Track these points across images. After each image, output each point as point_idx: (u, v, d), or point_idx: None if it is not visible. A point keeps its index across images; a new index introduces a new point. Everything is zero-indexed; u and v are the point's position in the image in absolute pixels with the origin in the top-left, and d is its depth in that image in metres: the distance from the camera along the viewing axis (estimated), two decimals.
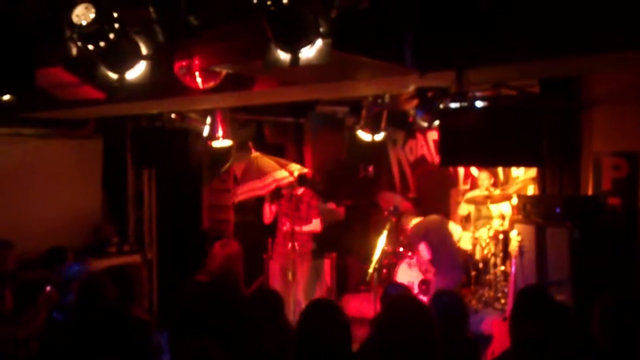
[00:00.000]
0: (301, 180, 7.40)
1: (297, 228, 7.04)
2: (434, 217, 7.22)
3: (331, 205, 8.79)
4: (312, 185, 8.57)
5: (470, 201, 7.92)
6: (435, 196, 9.00)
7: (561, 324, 3.07)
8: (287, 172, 7.27)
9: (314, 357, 2.89)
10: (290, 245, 7.02)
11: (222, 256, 5.22)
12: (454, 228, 7.76)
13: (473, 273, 7.68)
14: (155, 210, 7.96)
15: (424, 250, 6.87)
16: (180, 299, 4.11)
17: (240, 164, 7.89)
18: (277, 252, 7.37)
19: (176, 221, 8.13)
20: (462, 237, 7.87)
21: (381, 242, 6.74)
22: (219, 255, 5.27)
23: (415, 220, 7.15)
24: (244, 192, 7.44)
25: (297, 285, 7.08)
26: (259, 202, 7.68)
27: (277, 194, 7.32)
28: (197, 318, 3.42)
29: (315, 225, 7.22)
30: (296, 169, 7.42)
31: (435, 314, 3.56)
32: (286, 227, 7.19)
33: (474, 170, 8.50)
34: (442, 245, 6.90)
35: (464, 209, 8.30)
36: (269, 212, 7.34)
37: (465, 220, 8.25)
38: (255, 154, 7.59)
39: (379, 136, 7.12)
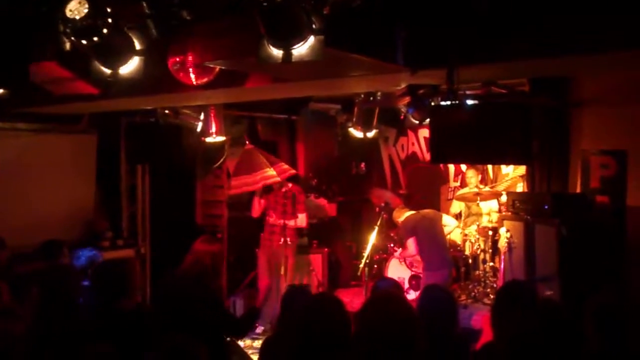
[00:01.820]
0: (290, 177, 7.49)
1: (283, 222, 7.13)
2: (426, 212, 7.26)
3: (322, 202, 8.84)
4: (304, 183, 8.64)
5: (461, 198, 7.99)
6: (426, 193, 9.06)
7: (544, 318, 3.12)
8: (275, 172, 7.32)
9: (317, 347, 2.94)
10: (282, 240, 7.08)
11: (194, 251, 5.23)
12: (449, 220, 7.80)
13: (462, 269, 7.75)
14: (148, 205, 7.98)
15: (411, 245, 6.93)
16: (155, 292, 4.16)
17: (234, 158, 7.92)
18: (263, 246, 7.43)
19: (169, 216, 8.15)
20: (455, 231, 7.93)
21: (372, 238, 6.80)
22: (194, 250, 5.28)
23: (407, 214, 7.18)
24: (237, 186, 7.50)
25: (282, 278, 7.17)
26: (251, 197, 7.73)
27: (266, 188, 7.40)
28: (166, 311, 3.45)
29: (301, 220, 7.28)
30: (285, 169, 7.50)
31: (424, 309, 3.63)
32: (272, 219, 7.26)
33: (464, 167, 8.58)
34: (432, 242, 6.93)
35: (455, 206, 8.37)
36: (258, 205, 7.41)
37: (457, 217, 8.31)
38: (248, 147, 7.64)
39: (371, 133, 7.19)
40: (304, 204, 7.43)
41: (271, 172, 7.35)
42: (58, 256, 5.31)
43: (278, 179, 7.34)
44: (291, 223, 7.19)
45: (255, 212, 7.47)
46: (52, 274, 4.09)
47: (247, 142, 7.76)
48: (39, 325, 3.68)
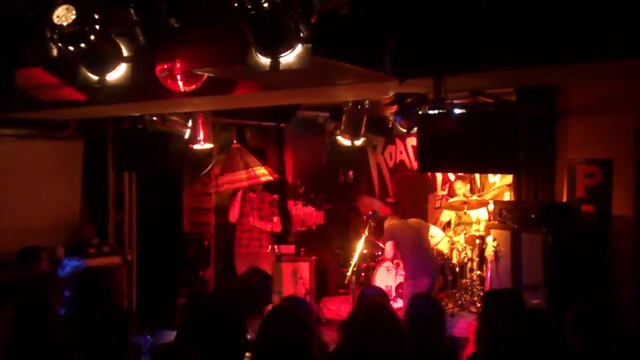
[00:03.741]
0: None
1: (259, 225, 7.17)
2: (412, 221, 7.27)
3: (310, 209, 8.86)
4: (292, 190, 8.65)
5: (449, 207, 8.03)
6: (413, 201, 9.09)
7: (528, 326, 3.13)
8: (266, 171, 7.39)
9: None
10: (270, 247, 7.11)
11: (238, 279, 5.19)
12: (436, 231, 7.83)
13: (450, 277, 7.76)
14: (135, 212, 7.94)
15: (388, 247, 6.98)
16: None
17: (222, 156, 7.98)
18: (240, 254, 7.42)
19: (156, 223, 8.11)
20: (442, 241, 7.95)
21: (360, 246, 6.80)
22: (239, 277, 5.26)
23: (393, 222, 7.20)
24: (223, 184, 7.50)
25: None
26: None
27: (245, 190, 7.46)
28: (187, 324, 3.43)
29: (277, 224, 7.31)
30: (270, 172, 7.57)
31: (411, 318, 3.64)
32: (251, 222, 7.27)
33: (452, 176, 8.61)
34: (415, 251, 6.90)
35: (445, 215, 8.40)
36: (237, 209, 7.41)
37: (447, 226, 8.34)
38: (236, 145, 7.67)
39: (359, 141, 7.20)
40: (277, 209, 7.48)
41: (262, 170, 7.40)
42: (36, 263, 5.26)
43: (270, 177, 7.39)
44: (267, 227, 7.25)
45: (233, 216, 7.47)
46: (31, 282, 4.04)
47: (234, 142, 7.79)
48: (18, 334, 3.63)
